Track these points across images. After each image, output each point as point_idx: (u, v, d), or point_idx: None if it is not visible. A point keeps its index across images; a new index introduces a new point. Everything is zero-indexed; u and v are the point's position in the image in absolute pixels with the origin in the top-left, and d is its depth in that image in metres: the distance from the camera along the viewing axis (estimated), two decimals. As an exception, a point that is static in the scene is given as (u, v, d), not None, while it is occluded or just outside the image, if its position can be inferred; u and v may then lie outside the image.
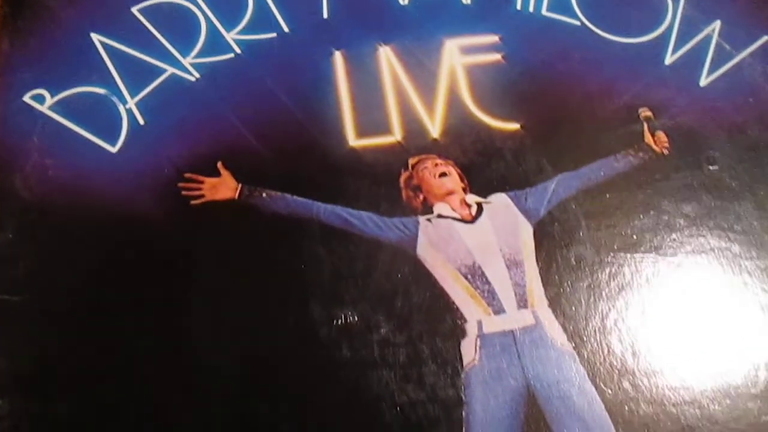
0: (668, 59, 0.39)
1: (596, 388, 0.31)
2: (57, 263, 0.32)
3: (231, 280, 0.32)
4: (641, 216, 0.35)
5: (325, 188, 0.34)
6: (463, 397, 0.30)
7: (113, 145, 0.34)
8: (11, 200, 0.33)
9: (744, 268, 0.34)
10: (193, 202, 0.33)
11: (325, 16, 0.38)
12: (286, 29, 0.37)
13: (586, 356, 0.32)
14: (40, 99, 0.35)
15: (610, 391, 0.31)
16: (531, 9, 0.39)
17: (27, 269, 0.31)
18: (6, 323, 0.31)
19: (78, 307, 0.31)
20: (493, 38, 0.38)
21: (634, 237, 0.34)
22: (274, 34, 0.37)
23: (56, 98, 0.35)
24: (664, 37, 0.39)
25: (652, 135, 0.37)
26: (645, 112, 0.37)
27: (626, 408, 0.31)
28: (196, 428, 0.30)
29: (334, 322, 0.31)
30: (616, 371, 0.31)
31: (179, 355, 0.31)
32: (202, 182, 0.34)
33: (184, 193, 0.33)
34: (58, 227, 0.32)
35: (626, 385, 0.31)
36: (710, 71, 0.39)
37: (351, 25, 0.38)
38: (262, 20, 0.37)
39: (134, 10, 0.37)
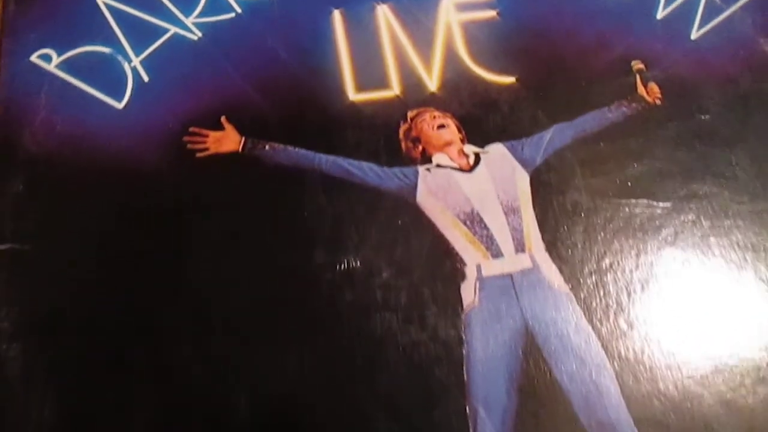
0: (660, 13, 0.39)
1: (592, 327, 0.32)
2: (65, 214, 0.33)
3: (236, 230, 0.33)
4: (635, 164, 0.35)
5: (327, 141, 0.35)
6: (464, 337, 0.31)
7: (119, 101, 0.35)
8: (20, 154, 0.34)
9: (736, 212, 0.35)
10: (198, 154, 0.34)
11: (324, -25, 0.38)
12: (286, -12, 0.38)
13: (582, 297, 0.33)
14: (46, 58, 0.36)
15: (605, 330, 0.32)
16: None
17: (36, 220, 0.33)
18: (17, 272, 0.32)
19: (86, 256, 0.32)
20: None
21: (629, 183, 0.35)
22: None
23: (62, 57, 0.36)
24: None
25: (645, 86, 0.38)
26: (637, 65, 0.38)
27: (621, 344, 0.32)
28: (204, 369, 0.31)
29: (337, 267, 0.32)
30: (612, 310, 0.32)
31: (186, 300, 0.32)
32: (206, 136, 0.35)
33: (189, 146, 0.34)
34: (65, 180, 0.33)
35: (621, 323, 0.32)
36: (701, 25, 0.39)
37: None
38: (263, -20, 0.38)
39: (137, -29, 0.38)
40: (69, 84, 0.35)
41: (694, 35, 0.40)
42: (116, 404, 0.29)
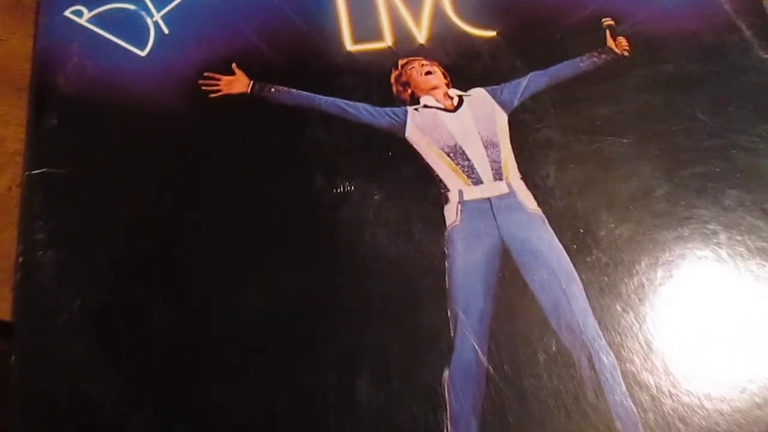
0: None
1: (562, 245, 0.36)
2: (93, 144, 0.37)
3: (245, 160, 0.37)
4: (603, 106, 0.39)
5: (326, 85, 0.39)
6: (446, 251, 0.35)
7: (142, 50, 0.39)
8: (55, 94, 0.38)
9: (694, 147, 0.38)
10: (211, 95, 0.38)
11: (325, -58, 0.43)
12: (290, -47, 0.42)
13: (554, 219, 0.36)
14: (78, 13, 0.40)
15: (575, 246, 0.35)
16: None
17: (69, 149, 0.36)
18: (51, 192, 0.35)
19: (110, 179, 0.36)
20: None
21: (597, 123, 0.39)
22: None
23: (92, 13, 0.40)
24: None
25: (614, 40, 0.41)
26: (607, 21, 0.42)
27: (588, 258, 0.35)
28: (217, 275, 0.34)
29: (335, 190, 0.36)
30: (580, 230, 0.36)
31: (201, 218, 0.35)
32: (219, 79, 0.39)
33: (203, 88, 0.38)
34: (93, 115, 0.37)
35: (588, 240, 0.36)
36: None
37: None
38: (270, -52, 0.42)
39: (159, -63, 0.42)
40: (98, 35, 0.40)
41: None
42: (137, 302, 0.33)
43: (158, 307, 0.33)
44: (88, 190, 0.36)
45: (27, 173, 0.36)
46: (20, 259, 0.34)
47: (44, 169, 0.36)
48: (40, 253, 0.34)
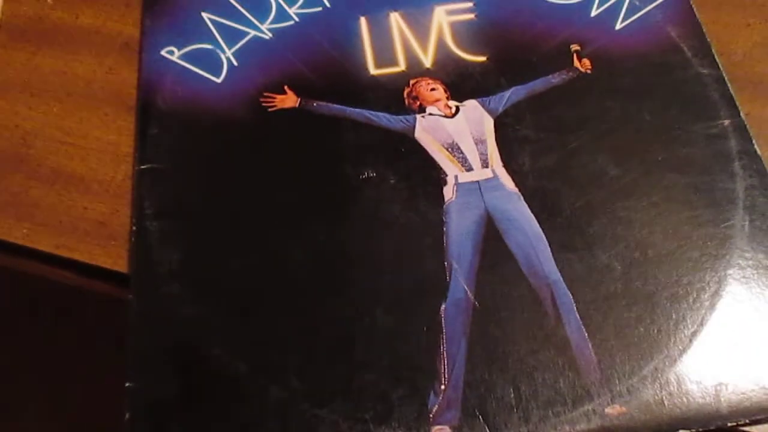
0: (593, 12, 0.53)
1: (534, 214, 0.46)
2: (184, 146, 0.47)
3: (294, 156, 0.48)
4: (569, 111, 0.49)
5: (355, 100, 0.49)
6: (444, 219, 0.45)
7: (218, 77, 0.51)
8: (156, 110, 0.48)
9: (641, 139, 0.49)
10: (270, 109, 0.50)
11: (354, -5, 0.55)
12: (328, 5, 0.54)
13: (527, 195, 0.46)
14: (171, 52, 0.52)
15: (543, 215, 0.44)
16: None
17: (166, 150, 0.47)
18: (155, 181, 0.46)
19: (198, 172, 0.47)
20: (469, 4, 0.54)
21: (563, 124, 0.48)
22: (320, 8, 0.54)
23: (181, 51, 0.52)
24: None
25: (579, 61, 0.52)
26: (575, 47, 0.52)
27: (552, 224, 0.45)
28: (272, 244, 0.45)
29: (360, 176, 0.47)
30: (547, 204, 0.46)
31: (262, 198, 0.46)
32: (275, 98, 0.51)
33: (264, 104, 0.50)
34: (184, 126, 0.47)
35: (553, 211, 0.45)
36: (624, 19, 0.53)
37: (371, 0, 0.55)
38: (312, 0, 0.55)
39: (229, -3, 0.55)
40: (185, 68, 0.50)
41: (618, 26, 0.53)
42: (217, 255, 0.45)
43: (232, 258, 0.44)
44: (180, 179, 0.46)
45: (137, 168, 0.46)
46: (133, 228, 0.44)
47: (149, 165, 0.46)
48: (147, 223, 0.44)
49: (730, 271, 0.44)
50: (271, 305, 0.42)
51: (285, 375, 0.41)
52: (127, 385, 0.40)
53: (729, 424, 0.39)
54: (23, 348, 1.07)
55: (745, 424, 0.40)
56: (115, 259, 0.44)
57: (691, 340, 0.42)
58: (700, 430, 0.40)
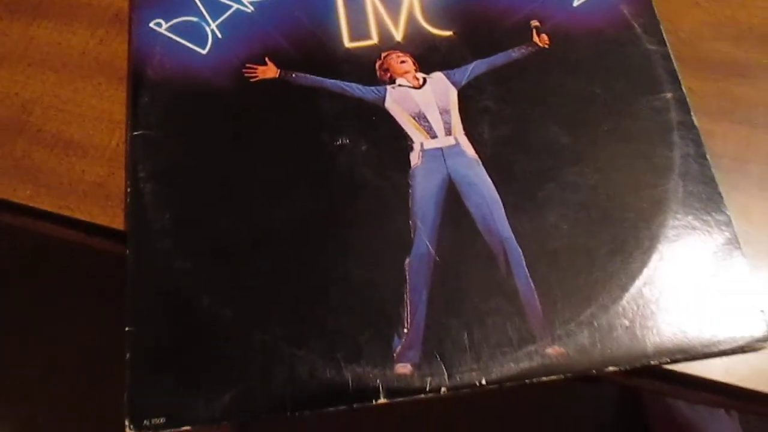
0: None
1: (491, 179, 0.50)
2: (173, 114, 0.50)
3: (275, 123, 0.52)
4: (527, 84, 0.53)
5: (331, 71, 0.53)
6: (410, 183, 0.49)
7: (203, 49, 0.54)
8: (146, 80, 0.51)
9: (593, 113, 0.53)
10: (252, 80, 0.53)
11: (330, -30, 0.58)
12: (305, -20, 0.58)
13: (486, 162, 0.51)
14: (158, 24, 0.55)
15: (499, 179, 0.49)
16: None
17: (156, 117, 0.50)
18: (147, 146, 0.50)
19: (186, 137, 0.50)
20: None
21: (521, 96, 0.53)
22: None
23: (169, 23, 0.55)
24: None
25: (539, 36, 0.56)
26: (534, 23, 0.56)
27: (508, 188, 0.50)
28: (257, 205, 0.50)
29: (335, 143, 0.51)
30: (503, 169, 0.51)
31: (246, 161, 0.51)
32: (256, 69, 0.55)
33: (246, 74, 0.53)
34: (173, 94, 0.52)
35: (508, 176, 0.51)
36: None
37: None
38: (291, -25, 0.58)
39: (213, -29, 0.58)
40: (173, 39, 0.53)
41: (576, 3, 0.56)
42: (207, 214, 0.49)
43: (219, 216, 0.48)
44: (170, 144, 0.50)
45: (130, 134, 0.49)
46: (128, 190, 0.47)
47: (141, 131, 0.49)
48: (141, 185, 0.47)
49: (662, 231, 0.49)
50: (254, 258, 0.46)
51: (267, 320, 0.45)
52: (126, 329, 0.46)
53: (652, 362, 0.45)
54: (29, 299, 1.12)
55: (666, 363, 0.46)
56: (112, 218, 0.49)
57: (623, 291, 0.47)
58: (628, 367, 0.46)
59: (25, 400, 1.12)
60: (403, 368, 0.45)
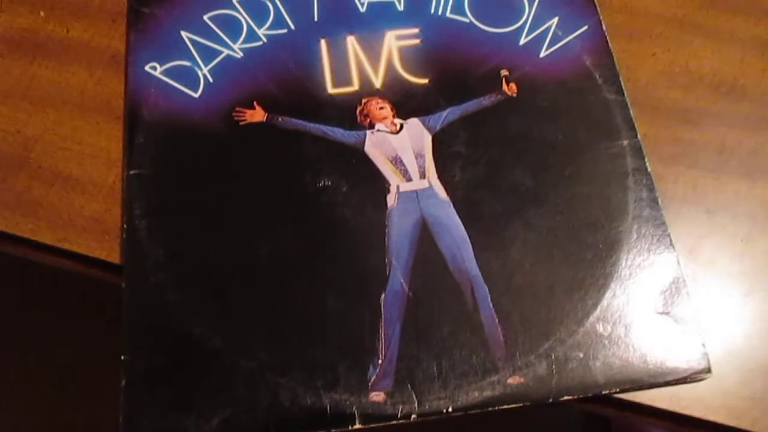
0: (522, 41, 0.62)
1: (461, 220, 0.54)
2: (166, 154, 0.53)
3: (261, 163, 0.55)
4: (496, 131, 0.57)
5: (314, 116, 0.56)
6: (386, 223, 0.52)
7: (195, 92, 0.57)
8: (141, 121, 0.53)
9: (554, 158, 0.58)
10: (241, 123, 0.57)
11: (316, 18, 0.62)
12: (293, 27, 0.61)
13: (456, 203, 0.54)
14: (153, 68, 0.58)
15: (468, 220, 0.54)
16: (440, 12, 0.62)
17: (152, 156, 0.55)
18: (142, 184, 0.53)
19: (178, 175, 0.52)
20: (416, 30, 0.61)
21: (490, 142, 0.57)
22: (285, 30, 0.61)
23: (163, 67, 0.58)
24: (521, 28, 0.61)
25: (507, 85, 0.61)
26: (504, 72, 0.60)
27: (476, 229, 0.55)
28: (243, 239, 0.54)
29: (318, 184, 0.54)
30: (473, 210, 0.55)
31: (233, 199, 0.54)
32: (245, 112, 0.58)
33: (235, 117, 0.56)
34: (166, 135, 0.54)
35: (477, 216, 0.55)
36: (548, 48, 0.61)
37: (331, 23, 0.59)
38: (279, 21, 0.62)
39: (205, 17, 0.62)
40: (166, 82, 0.56)
41: (542, 54, 0.61)
42: (196, 248, 0.53)
43: (209, 252, 0.49)
44: (164, 183, 0.51)
45: (126, 173, 0.52)
46: (124, 226, 0.50)
47: (136, 171, 0.52)
48: (136, 221, 0.49)
49: (616, 270, 0.54)
50: (242, 292, 0.49)
51: (253, 349, 0.48)
52: (122, 357, 0.49)
53: (603, 392, 0.50)
54: (29, 327, 1.15)
55: (616, 392, 0.50)
56: (109, 251, 0.52)
57: (578, 326, 0.52)
58: (581, 396, 0.50)
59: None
60: (377, 396, 0.49)
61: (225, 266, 0.50)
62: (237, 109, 0.56)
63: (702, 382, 0.50)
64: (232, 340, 0.48)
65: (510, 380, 0.47)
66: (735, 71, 0.63)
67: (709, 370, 0.50)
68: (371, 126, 0.55)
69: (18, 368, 1.14)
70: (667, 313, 0.52)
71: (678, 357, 0.51)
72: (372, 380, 0.47)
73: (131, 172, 0.53)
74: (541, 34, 0.63)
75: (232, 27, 0.62)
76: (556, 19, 0.63)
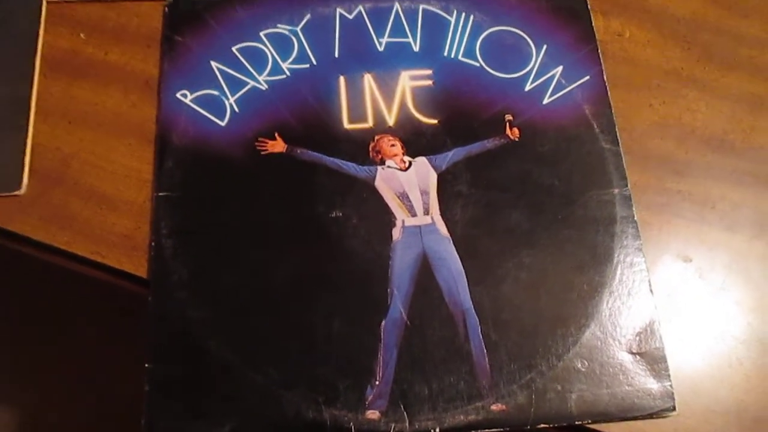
0: (527, 87, 0.66)
1: (459, 256, 0.59)
2: (194, 178, 0.59)
3: (279, 192, 0.61)
4: (497, 172, 0.63)
5: (331, 150, 0.61)
6: (390, 255, 0.57)
7: (222, 121, 0.63)
8: (171, 146, 0.57)
9: (549, 203, 0.63)
10: (262, 153, 0.62)
11: (336, 55, 0.66)
12: (314, 62, 0.66)
13: (456, 240, 0.60)
14: (184, 95, 0.63)
15: (465, 255, 0.59)
16: (453, 55, 0.67)
17: (179, 180, 0.60)
18: (169, 206, 0.59)
19: (205, 198, 0.57)
20: (429, 71, 0.66)
21: (491, 183, 0.61)
22: (308, 65, 0.65)
23: (193, 96, 0.62)
24: (527, 75, 0.66)
25: (510, 129, 0.65)
26: (508, 116, 0.64)
27: (471, 263, 0.60)
28: (260, 263, 0.59)
29: (330, 215, 0.60)
30: (470, 247, 0.60)
31: (253, 224, 0.59)
32: (266, 143, 0.63)
33: (257, 147, 0.61)
34: (194, 160, 0.58)
35: (473, 253, 0.60)
36: (551, 95, 0.66)
37: (350, 61, 0.63)
38: (302, 56, 0.66)
39: (233, 48, 0.66)
40: (196, 110, 0.60)
41: (545, 101, 0.65)
42: (216, 268, 0.58)
43: (228, 273, 0.54)
44: (190, 205, 0.55)
45: (155, 194, 0.56)
46: (152, 243, 0.54)
47: (165, 193, 0.56)
48: (163, 240, 0.54)
49: (597, 310, 0.59)
50: (256, 311, 0.53)
51: (263, 365, 0.53)
52: (146, 365, 0.55)
53: (577, 422, 0.55)
54: (58, 332, 1.21)
55: (589, 423, 0.56)
56: (137, 266, 0.56)
57: (558, 360, 0.57)
58: (556, 425, 0.56)
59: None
60: (373, 414, 0.54)
61: (242, 287, 0.54)
62: (259, 139, 0.59)
63: (667, 419, 0.55)
64: (244, 355, 0.52)
65: (493, 407, 0.52)
66: (725, 126, 0.67)
67: (674, 408, 0.55)
68: (382, 162, 0.59)
69: (44, 355, 1.21)
70: (640, 353, 0.57)
71: (646, 394, 0.56)
72: (369, 399, 0.51)
73: (160, 193, 0.57)
74: (545, 82, 0.67)
75: (258, 59, 0.66)
76: (560, 68, 0.67)
